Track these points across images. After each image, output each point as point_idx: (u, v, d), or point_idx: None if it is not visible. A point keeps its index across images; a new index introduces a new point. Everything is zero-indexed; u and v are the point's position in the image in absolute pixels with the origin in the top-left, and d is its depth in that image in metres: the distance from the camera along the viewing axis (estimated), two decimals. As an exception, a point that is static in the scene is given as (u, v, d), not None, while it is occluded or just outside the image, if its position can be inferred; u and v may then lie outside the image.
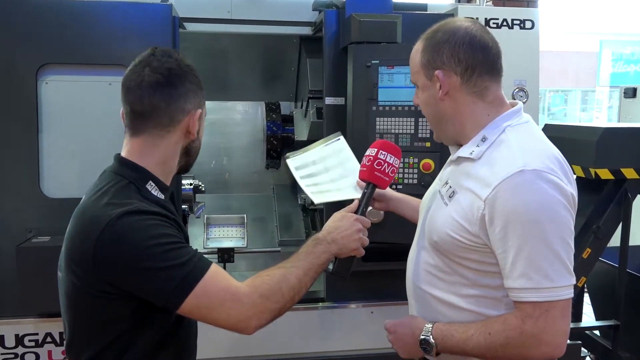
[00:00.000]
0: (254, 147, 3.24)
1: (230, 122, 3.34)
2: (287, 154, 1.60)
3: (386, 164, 1.27)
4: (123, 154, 1.24)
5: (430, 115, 1.25)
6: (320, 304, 2.43)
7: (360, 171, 1.27)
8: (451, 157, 1.27)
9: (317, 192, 1.46)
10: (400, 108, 2.18)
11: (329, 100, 2.41)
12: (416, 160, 2.19)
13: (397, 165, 1.29)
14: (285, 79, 3.24)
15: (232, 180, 3.37)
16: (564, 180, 1.10)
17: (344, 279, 1.24)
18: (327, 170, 1.49)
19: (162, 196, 1.21)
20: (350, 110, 2.28)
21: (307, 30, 2.77)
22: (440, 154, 2.17)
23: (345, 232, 1.22)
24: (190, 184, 2.58)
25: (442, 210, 1.23)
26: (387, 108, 2.20)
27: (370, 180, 1.26)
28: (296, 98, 3.28)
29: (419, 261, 1.30)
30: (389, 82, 2.18)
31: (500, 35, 2.55)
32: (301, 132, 2.96)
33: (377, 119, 2.21)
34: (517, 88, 2.50)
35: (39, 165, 2.25)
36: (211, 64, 3.16)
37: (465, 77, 1.18)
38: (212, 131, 3.35)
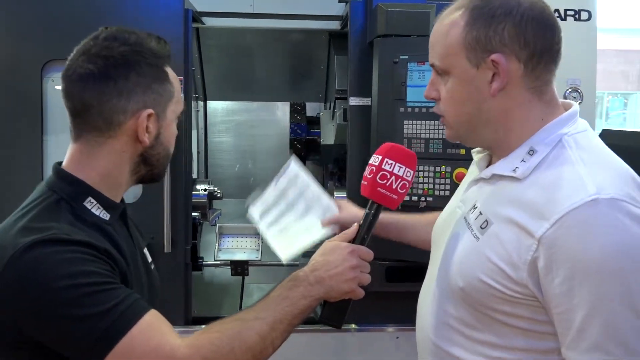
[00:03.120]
0: (281, 150, 3.05)
1: (255, 124, 3.16)
2: (247, 202, 1.32)
3: (394, 177, 0.97)
4: (63, 163, 1.03)
5: (464, 116, 0.94)
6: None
7: (362, 186, 1.00)
8: (482, 174, 0.98)
9: (285, 245, 1.20)
10: (431, 110, 1.92)
11: (353, 101, 2.18)
12: (449, 169, 1.93)
13: (409, 179, 0.98)
14: (315, 78, 3.03)
15: (257, 185, 3.18)
16: None
17: (335, 328, 0.98)
18: (291, 207, 1.24)
19: (106, 216, 0.99)
20: (375, 112, 2.04)
21: (335, 25, 2.55)
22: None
23: (335, 269, 0.94)
24: (205, 190, 2.41)
25: (472, 247, 0.94)
26: (416, 109, 1.95)
27: (373, 199, 1.00)
28: (326, 98, 3.07)
29: (437, 310, 1.01)
30: (419, 81, 1.93)
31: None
32: (328, 135, 2.74)
33: (405, 121, 1.97)
34: (570, 88, 2.19)
35: (42, 167, 2.12)
36: (236, 62, 2.98)
37: (530, 67, 0.89)
38: (236, 133, 3.18)
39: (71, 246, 0.86)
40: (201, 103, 3.12)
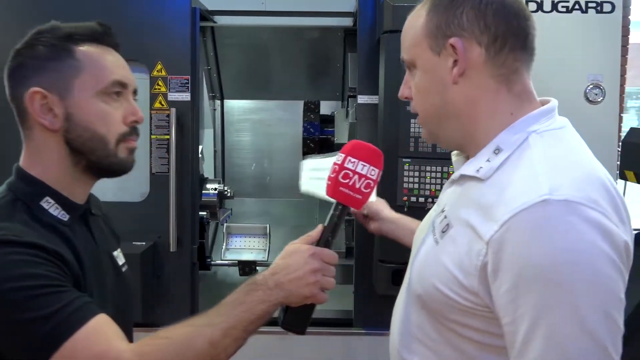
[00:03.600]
0: (297, 149, 3.01)
1: (272, 123, 3.14)
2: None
3: (356, 176, 0.90)
4: (20, 162, 1.00)
5: (430, 108, 0.89)
6: (348, 330, 2.14)
7: (326, 186, 0.95)
8: (453, 175, 0.92)
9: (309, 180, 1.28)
10: (439, 108, 1.85)
11: (362, 99, 2.13)
12: (457, 169, 1.85)
13: (374, 177, 0.92)
14: (331, 76, 2.98)
15: (274, 185, 3.17)
16: (614, 219, 0.72)
17: (298, 334, 0.93)
18: None
19: (65, 216, 0.96)
20: (382, 110, 1.98)
21: (349, 22, 2.50)
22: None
23: (295, 273, 0.89)
24: (215, 189, 2.40)
25: (432, 252, 0.88)
26: (423, 108, 1.88)
27: (336, 199, 0.95)
28: (342, 97, 3.02)
29: (403, 318, 0.95)
30: (426, 78, 1.86)
31: (573, 21, 2.16)
32: (342, 134, 2.69)
33: (412, 121, 1.90)
34: (591, 84, 2.07)
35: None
36: (252, 61, 2.96)
37: (493, 51, 0.82)
38: (252, 132, 3.17)
39: (19, 248, 0.84)
40: (218, 102, 3.12)
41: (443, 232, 0.86)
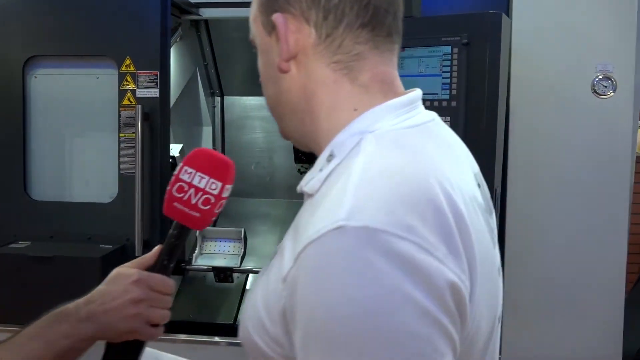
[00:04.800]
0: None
1: (272, 120, 2.99)
2: None
3: (192, 190, 0.75)
4: None
5: (269, 99, 0.72)
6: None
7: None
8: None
9: None
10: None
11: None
12: (431, 172, 1.65)
13: (216, 192, 0.75)
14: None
15: (275, 184, 3.03)
16: (439, 251, 0.52)
17: None
18: None
19: None
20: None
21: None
22: (464, 165, 1.62)
23: (112, 302, 0.74)
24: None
25: (252, 289, 0.71)
26: (395, 103, 1.69)
27: (170, 216, 0.79)
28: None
29: None
30: (399, 70, 1.66)
31: (576, 3, 1.88)
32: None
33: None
34: (600, 75, 1.81)
35: (24, 165, 2.10)
36: (246, 56, 2.84)
37: (325, 31, 0.65)
38: (252, 130, 3.05)
39: None
40: (218, 99, 3.01)
41: (270, 260, 0.69)
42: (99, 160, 2.10)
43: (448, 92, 1.61)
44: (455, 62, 1.58)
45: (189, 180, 0.75)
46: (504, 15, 1.59)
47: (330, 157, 0.64)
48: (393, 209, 0.53)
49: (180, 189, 0.75)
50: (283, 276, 0.57)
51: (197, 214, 0.76)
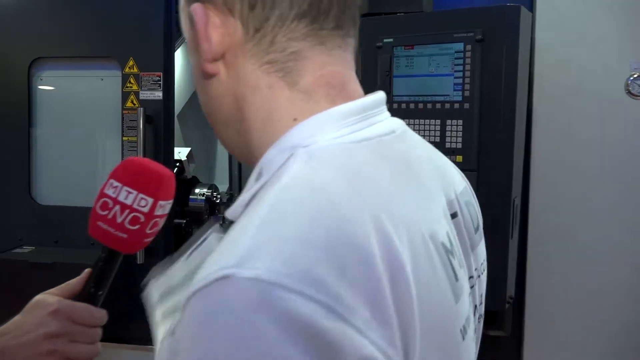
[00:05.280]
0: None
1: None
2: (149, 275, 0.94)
3: (118, 207, 0.65)
4: None
5: (202, 106, 0.61)
6: None
7: None
8: None
9: None
10: (422, 105, 1.53)
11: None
12: (442, 181, 1.52)
13: (146, 210, 0.65)
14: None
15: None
16: (356, 316, 0.39)
17: None
18: None
19: None
20: (359, 109, 1.68)
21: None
22: (478, 174, 1.47)
23: (26, 336, 0.65)
24: (203, 195, 2.21)
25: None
26: (403, 105, 1.56)
27: (94, 236, 0.69)
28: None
29: None
30: (407, 69, 1.54)
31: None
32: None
33: (391, 120, 1.59)
34: (635, 73, 1.63)
35: (29, 167, 2.07)
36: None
37: (252, 25, 0.53)
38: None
39: None
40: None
41: None
42: (103, 164, 2.06)
43: (460, 93, 1.48)
44: (468, 61, 1.44)
45: (114, 196, 0.65)
46: (522, 9, 1.44)
47: (259, 176, 0.52)
48: (300, 255, 0.40)
49: (105, 206, 0.65)
50: (172, 329, 0.46)
51: (124, 235, 0.66)
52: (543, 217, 1.67)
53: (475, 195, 0.67)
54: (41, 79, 2.05)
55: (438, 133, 1.54)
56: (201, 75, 0.56)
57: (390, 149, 0.53)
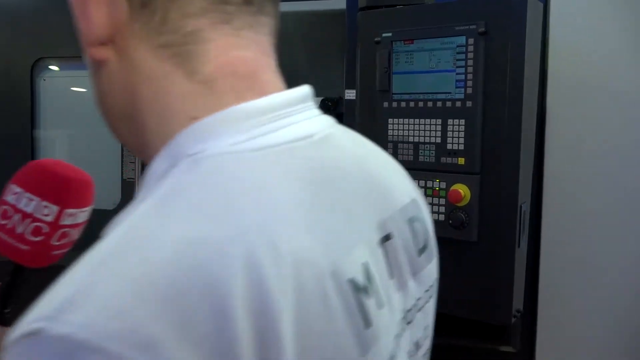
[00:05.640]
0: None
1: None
2: None
3: (19, 215, 0.58)
4: None
5: (95, 101, 0.52)
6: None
7: None
8: None
9: None
10: (422, 104, 1.43)
11: (349, 94, 1.75)
12: (443, 184, 1.41)
13: (49, 219, 0.58)
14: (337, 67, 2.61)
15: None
16: None
17: None
18: None
19: None
20: (358, 107, 1.60)
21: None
22: (481, 177, 1.37)
23: None
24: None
25: None
26: (403, 104, 1.46)
27: None
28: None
29: None
30: (407, 65, 1.44)
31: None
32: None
33: (390, 120, 1.49)
34: (661, 69, 1.48)
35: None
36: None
37: (138, 2, 0.44)
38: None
39: None
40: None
41: None
42: (107, 164, 2.03)
43: (463, 90, 1.37)
44: (470, 56, 1.34)
45: (13, 203, 0.59)
46: (530, -2, 1.32)
47: (141, 190, 0.44)
48: (128, 308, 0.31)
49: (4, 214, 0.59)
50: None
51: (26, 247, 0.59)
52: (557, 225, 1.54)
53: (427, 209, 0.57)
54: (44, 79, 2.04)
55: (439, 134, 1.44)
56: (90, 62, 0.49)
57: (300, 158, 0.43)
